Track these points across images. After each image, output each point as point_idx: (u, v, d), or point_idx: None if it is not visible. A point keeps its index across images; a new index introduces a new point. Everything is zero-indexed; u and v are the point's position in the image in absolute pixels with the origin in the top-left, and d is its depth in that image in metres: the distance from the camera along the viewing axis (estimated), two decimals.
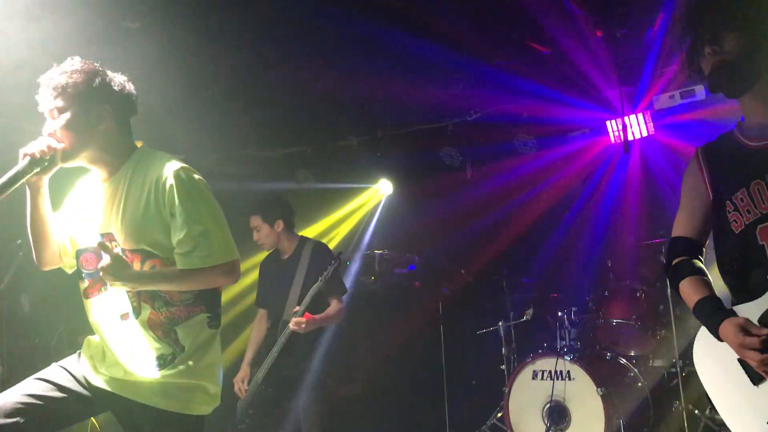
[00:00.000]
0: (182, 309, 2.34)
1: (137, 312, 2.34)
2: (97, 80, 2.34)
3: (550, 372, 4.97)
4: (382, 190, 7.10)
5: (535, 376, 5.07)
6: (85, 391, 2.34)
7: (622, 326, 5.14)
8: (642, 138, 5.87)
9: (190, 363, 2.33)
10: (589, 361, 4.97)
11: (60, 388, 2.30)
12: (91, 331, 2.48)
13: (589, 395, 4.77)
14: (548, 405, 4.92)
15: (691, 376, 5.07)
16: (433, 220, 6.74)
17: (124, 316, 2.34)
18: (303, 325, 4.10)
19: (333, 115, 6.24)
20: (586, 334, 5.29)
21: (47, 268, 2.52)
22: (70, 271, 2.56)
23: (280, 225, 4.45)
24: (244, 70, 5.25)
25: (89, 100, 2.32)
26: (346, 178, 7.04)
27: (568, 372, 4.92)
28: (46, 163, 2.28)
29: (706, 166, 2.35)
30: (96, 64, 2.39)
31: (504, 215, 6.51)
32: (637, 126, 5.84)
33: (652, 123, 5.82)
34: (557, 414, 4.88)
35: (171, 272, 2.32)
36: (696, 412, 4.82)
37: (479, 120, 6.41)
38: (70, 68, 2.33)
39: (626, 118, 5.71)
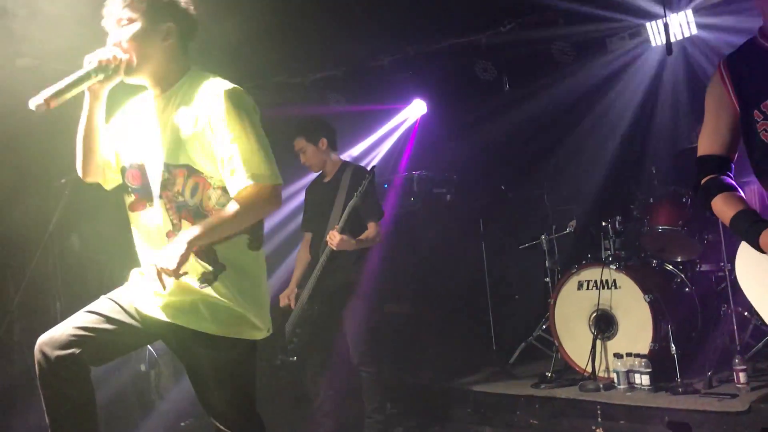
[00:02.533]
0: None
1: (177, 229, 2.34)
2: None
3: (595, 282, 4.97)
4: (416, 109, 6.99)
5: (580, 286, 5.08)
6: (134, 322, 2.37)
7: (668, 232, 5.07)
8: (684, 38, 5.64)
9: (232, 282, 2.33)
10: (635, 269, 4.95)
11: (109, 319, 2.34)
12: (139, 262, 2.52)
13: (635, 302, 4.77)
14: (594, 314, 4.94)
15: None
16: (471, 137, 6.64)
17: (168, 234, 2.35)
18: (336, 240, 4.16)
19: (362, 36, 6.09)
20: (631, 242, 5.24)
21: (89, 180, 2.53)
22: (108, 187, 2.58)
23: (324, 143, 4.49)
24: None
25: (158, 14, 2.34)
26: (379, 99, 6.93)
27: (614, 281, 4.91)
28: (110, 72, 2.30)
29: (729, 78, 2.26)
30: None
31: (543, 127, 6.37)
32: (679, 26, 5.60)
33: (694, 22, 5.58)
34: (604, 322, 4.90)
35: (220, 218, 2.26)
36: (746, 314, 4.78)
37: (513, 31, 6.21)
38: None
39: (667, 18, 5.46)
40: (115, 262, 5.27)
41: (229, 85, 2.34)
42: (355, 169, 4.51)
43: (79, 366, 2.25)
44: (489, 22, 6.17)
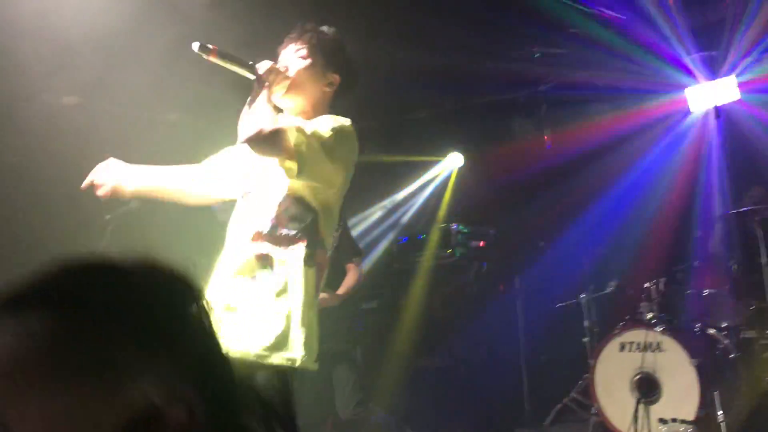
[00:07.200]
0: (284, 239, 2.34)
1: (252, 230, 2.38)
2: (340, 52, 2.55)
3: (638, 344, 4.87)
4: (453, 162, 7.01)
5: (622, 348, 4.97)
6: None
7: (712, 297, 5.00)
8: (728, 104, 5.67)
9: (285, 294, 2.30)
10: (680, 333, 4.85)
11: None
12: None
13: (681, 367, 4.65)
14: (638, 376, 4.82)
15: None
16: (508, 191, 6.63)
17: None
18: (323, 303, 4.00)
19: (401, 89, 6.16)
20: (674, 305, 5.16)
21: None
22: None
23: None
24: None
25: (328, 64, 2.51)
26: (415, 151, 6.96)
27: (659, 343, 4.80)
28: (268, 76, 2.33)
29: None
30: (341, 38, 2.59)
31: (582, 184, 6.36)
32: (723, 91, 5.64)
33: (738, 88, 5.62)
34: (647, 385, 4.78)
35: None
36: None
37: (552, 90, 6.28)
38: (327, 31, 2.56)
39: (711, 84, 5.52)
40: None
41: (334, 116, 2.45)
42: None
43: None
44: (529, 81, 6.25)
